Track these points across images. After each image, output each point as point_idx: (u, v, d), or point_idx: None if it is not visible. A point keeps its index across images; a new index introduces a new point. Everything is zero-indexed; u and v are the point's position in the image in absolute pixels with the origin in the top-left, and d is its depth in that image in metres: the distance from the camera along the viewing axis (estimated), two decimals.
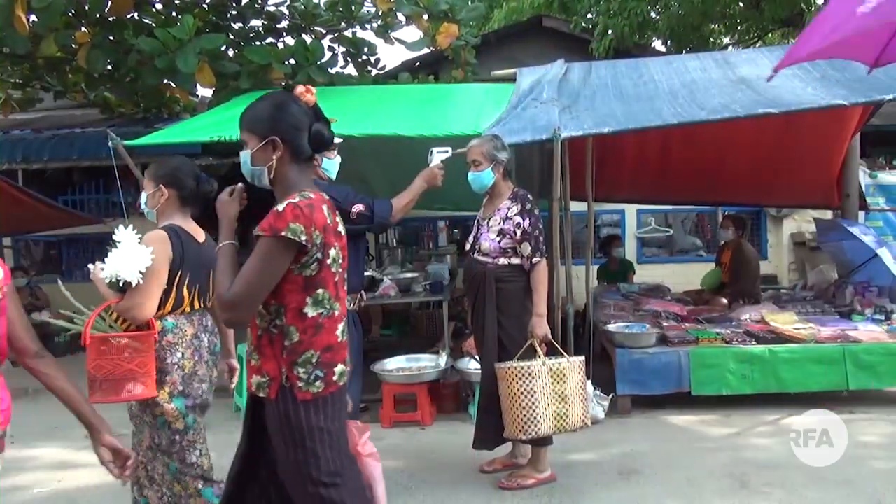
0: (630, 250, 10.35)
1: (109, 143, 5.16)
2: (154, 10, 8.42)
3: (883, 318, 5.53)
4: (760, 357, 4.95)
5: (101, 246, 11.44)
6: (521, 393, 3.41)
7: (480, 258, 3.75)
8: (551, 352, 3.71)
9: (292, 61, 7.63)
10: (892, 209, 8.00)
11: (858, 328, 5.31)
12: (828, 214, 8.35)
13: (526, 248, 3.64)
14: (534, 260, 3.65)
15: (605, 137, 6.02)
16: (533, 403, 3.40)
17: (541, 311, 3.63)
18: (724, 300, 6.63)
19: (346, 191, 3.37)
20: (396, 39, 8.66)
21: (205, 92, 9.57)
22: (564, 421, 3.46)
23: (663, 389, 4.98)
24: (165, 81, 8.12)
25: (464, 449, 4.35)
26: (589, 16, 13.89)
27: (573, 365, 3.55)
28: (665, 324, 5.67)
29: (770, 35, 15.40)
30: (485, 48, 11.32)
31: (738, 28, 15.97)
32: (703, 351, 5.00)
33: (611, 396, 4.92)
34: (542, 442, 3.65)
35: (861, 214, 7.62)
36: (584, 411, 3.52)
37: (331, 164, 3.34)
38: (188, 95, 10.07)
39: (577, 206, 6.36)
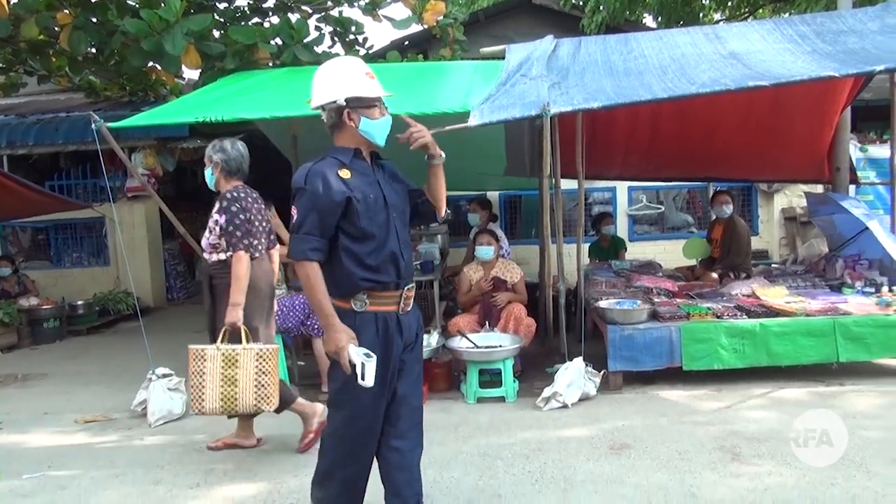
0: (622, 227, 10.36)
1: (93, 126, 5.08)
2: None
3: (873, 290, 5.54)
4: (751, 331, 4.96)
5: (90, 231, 11.43)
6: (195, 373, 3.76)
7: (204, 255, 4.07)
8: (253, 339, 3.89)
9: (278, 41, 7.54)
10: (883, 182, 7.98)
11: (848, 301, 5.32)
12: (818, 189, 8.35)
13: (224, 244, 3.92)
14: (229, 253, 3.89)
15: (595, 115, 6.01)
16: (201, 383, 3.75)
17: (235, 301, 3.81)
18: (716, 275, 6.65)
19: None
20: (384, 17, 8.59)
21: (191, 73, 9.48)
22: (233, 403, 3.74)
23: (655, 365, 4.99)
24: (151, 64, 8.02)
25: (456, 427, 4.38)
26: None
27: (249, 353, 3.74)
28: (656, 300, 5.67)
29: (761, 10, 15.31)
30: (474, 26, 11.24)
31: (729, 3, 15.89)
32: (695, 326, 5.00)
33: (602, 373, 4.92)
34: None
35: (852, 188, 7.63)
36: (260, 397, 3.73)
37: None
38: (174, 78, 9.98)
39: (567, 185, 6.33)
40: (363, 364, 2.47)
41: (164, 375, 4.97)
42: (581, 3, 13.35)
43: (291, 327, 5.25)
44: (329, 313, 2.52)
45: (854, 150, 8.35)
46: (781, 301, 5.35)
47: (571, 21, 12.46)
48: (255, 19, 8.80)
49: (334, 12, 8.73)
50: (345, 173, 2.57)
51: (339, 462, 2.67)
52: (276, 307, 5.04)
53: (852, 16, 6.09)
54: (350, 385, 2.50)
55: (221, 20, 8.37)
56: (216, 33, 7.92)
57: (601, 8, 12.70)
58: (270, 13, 8.94)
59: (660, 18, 14.81)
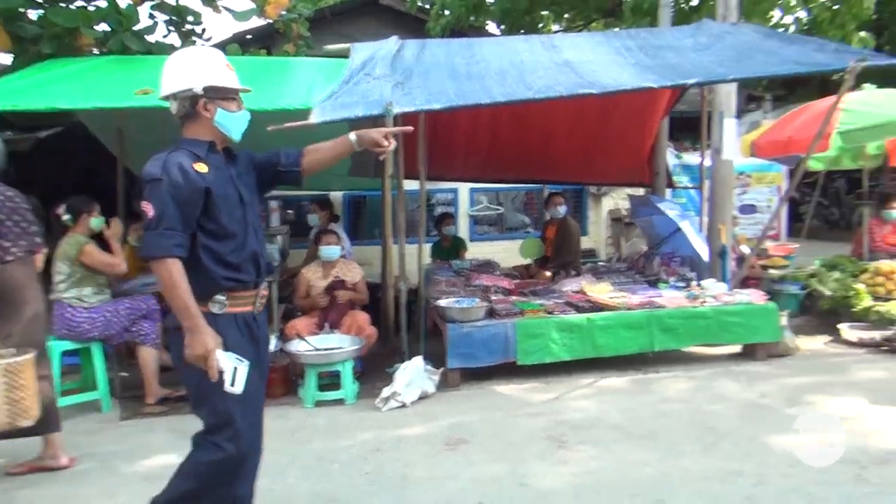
0: (463, 228, 10.63)
1: None
2: None
3: (684, 285, 6.09)
4: (579, 325, 5.27)
5: None
6: None
7: None
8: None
9: (105, 27, 7.01)
10: (695, 186, 8.77)
11: (663, 295, 5.81)
12: (640, 192, 9.04)
13: None
14: None
15: (437, 117, 6.12)
16: None
17: None
18: (549, 273, 7.00)
19: None
20: (224, 8, 8.24)
21: (3, 58, 8.57)
22: None
23: (491, 360, 5.17)
24: None
25: (293, 432, 4.29)
26: None
27: None
28: (493, 297, 5.88)
29: (594, 24, 16.33)
30: (319, 24, 11.07)
31: (566, 16, 16.80)
32: (528, 322, 5.24)
33: (441, 370, 5.03)
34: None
35: (668, 192, 8.34)
36: (14, 413, 3.35)
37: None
38: None
39: (410, 185, 6.40)
40: (235, 369, 2.35)
41: None
42: (427, 6, 13.57)
43: (114, 335, 4.89)
44: (196, 314, 2.35)
45: (671, 156, 9.12)
46: (606, 296, 5.74)
47: (417, 23, 12.63)
48: (79, 3, 8.12)
49: (170, 0, 8.25)
50: (200, 167, 2.44)
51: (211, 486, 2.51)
52: (77, 314, 4.70)
53: (671, 33, 6.65)
54: (217, 395, 2.37)
55: (39, 2, 7.64)
56: (34, 15, 7.23)
57: (446, 12, 12.98)
58: None
59: (503, 26, 15.38)
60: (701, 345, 5.57)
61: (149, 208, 2.36)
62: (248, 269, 2.54)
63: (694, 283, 6.01)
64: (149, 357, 4.96)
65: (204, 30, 8.62)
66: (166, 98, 2.54)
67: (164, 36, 8.39)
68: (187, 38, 8.48)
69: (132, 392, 5.17)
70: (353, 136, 2.68)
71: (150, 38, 7.37)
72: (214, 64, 2.53)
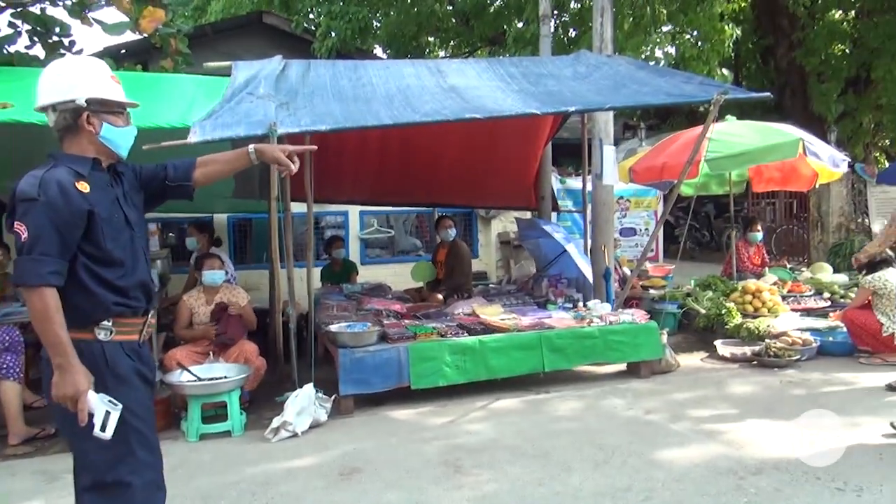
0: (354, 251, 10.51)
1: None
2: None
3: (571, 305, 6.26)
4: (472, 347, 5.28)
5: None
6: None
7: None
8: None
9: None
10: (578, 210, 9.11)
11: (552, 316, 5.93)
12: (527, 215, 9.28)
13: None
14: None
15: (325, 139, 5.99)
16: None
17: None
18: (441, 296, 7.01)
19: None
20: (95, 20, 7.77)
21: None
22: None
23: (385, 386, 5.07)
24: None
25: (174, 469, 4.00)
26: (311, 16, 13.86)
27: None
28: (386, 321, 5.80)
29: (479, 51, 16.77)
30: (201, 41, 10.70)
31: (451, 43, 17.17)
32: (421, 346, 5.19)
33: (333, 397, 4.88)
34: None
35: (553, 215, 8.60)
36: None
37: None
38: None
39: (297, 208, 6.24)
40: (107, 413, 2.14)
41: None
42: (313, 27, 13.44)
43: None
44: (70, 351, 2.13)
45: (555, 181, 9.43)
46: (497, 318, 5.80)
47: (303, 44, 12.49)
48: None
49: (35, 8, 7.69)
50: (83, 186, 2.23)
51: None
52: None
53: (552, 62, 6.88)
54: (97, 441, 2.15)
55: None
56: None
57: (332, 34, 12.92)
58: None
59: (389, 50, 15.49)
60: (589, 364, 5.72)
61: (23, 230, 2.14)
62: (136, 296, 2.36)
63: (580, 303, 6.19)
64: (11, 393, 4.51)
65: (73, 42, 8.10)
66: (43, 109, 2.33)
67: (28, 46, 7.83)
68: (54, 50, 7.93)
69: None
70: (251, 149, 2.55)
71: (10, 49, 6.82)
72: (99, 75, 2.36)
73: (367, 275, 9.17)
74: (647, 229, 11.54)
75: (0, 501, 3.67)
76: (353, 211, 10.59)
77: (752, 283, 7.07)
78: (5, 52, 6.64)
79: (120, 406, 2.20)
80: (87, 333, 2.23)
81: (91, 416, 2.14)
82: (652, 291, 7.73)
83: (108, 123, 2.35)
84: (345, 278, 7.99)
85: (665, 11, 11.37)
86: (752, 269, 8.14)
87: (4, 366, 4.54)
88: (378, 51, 15.79)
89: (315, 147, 2.86)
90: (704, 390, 5.34)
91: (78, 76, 2.31)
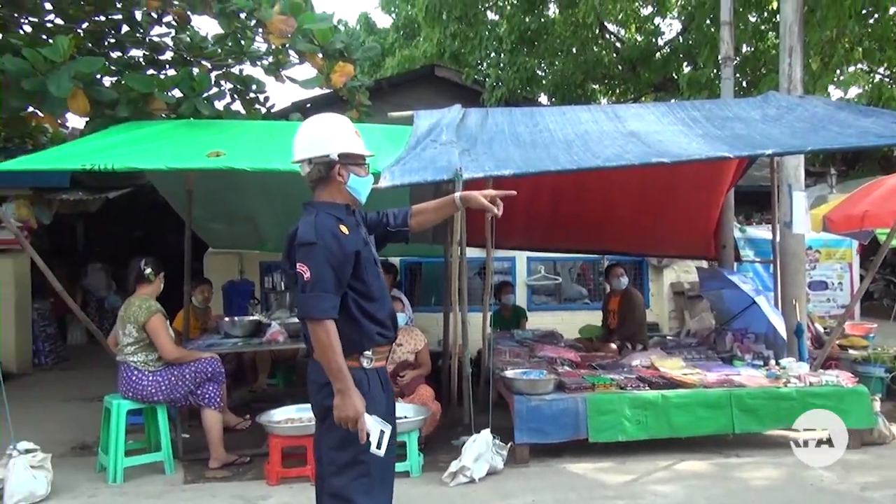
0: (521, 297, 10.44)
1: None
2: (22, 31, 7.77)
3: (761, 363, 5.76)
4: (654, 402, 4.98)
5: None
6: None
7: None
8: None
9: (177, 92, 7.22)
10: (761, 261, 8.51)
11: (741, 373, 5.49)
12: (704, 265, 8.77)
13: None
14: None
15: (498, 185, 6.05)
16: None
17: None
18: (614, 346, 6.74)
19: None
20: (288, 78, 8.45)
21: (76, 122, 8.90)
22: None
23: (561, 437, 4.89)
24: (31, 109, 7.45)
25: None
26: (480, 68, 14.28)
27: None
28: (560, 370, 5.64)
29: (644, 97, 16.42)
30: (377, 95, 11.31)
31: (617, 90, 16.97)
32: (600, 397, 4.98)
33: (509, 445, 4.78)
34: None
35: (735, 265, 8.06)
36: None
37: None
38: (57, 124, 9.33)
39: (468, 254, 6.30)
40: (381, 432, 2.42)
41: (27, 451, 4.36)
42: (483, 78, 13.83)
43: (179, 398, 4.80)
44: (349, 377, 2.42)
45: (735, 230, 8.88)
46: (679, 373, 5.46)
47: (472, 95, 12.82)
48: (151, 70, 8.43)
49: (235, 70, 8.52)
50: (343, 229, 2.52)
51: None
52: (143, 377, 4.66)
53: (737, 104, 6.54)
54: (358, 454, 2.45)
55: (114, 68, 7.96)
56: (108, 81, 7.51)
57: (500, 84, 13.20)
58: (167, 66, 8.60)
59: (554, 98, 15.57)
60: (784, 428, 5.20)
61: (305, 271, 2.43)
62: (388, 326, 2.64)
63: (772, 361, 5.69)
64: (213, 420, 4.86)
65: (267, 97, 8.87)
66: (300, 162, 2.61)
67: (229, 103, 8.65)
68: (251, 105, 8.72)
69: (194, 455, 5.05)
70: (458, 197, 2.76)
71: (218, 105, 7.55)
72: (347, 131, 2.63)
73: (535, 321, 9.03)
74: (840, 283, 10.50)
75: None
76: (521, 257, 10.56)
77: None
78: (215, 107, 7.33)
79: (390, 427, 2.46)
80: (353, 362, 2.49)
81: (368, 434, 2.38)
82: (852, 352, 6.95)
83: (354, 174, 2.60)
84: (514, 324, 7.93)
85: (861, 49, 10.52)
86: None
87: (207, 395, 4.88)
88: (543, 98, 15.91)
89: (514, 192, 2.90)
90: None
91: (331, 133, 2.59)
